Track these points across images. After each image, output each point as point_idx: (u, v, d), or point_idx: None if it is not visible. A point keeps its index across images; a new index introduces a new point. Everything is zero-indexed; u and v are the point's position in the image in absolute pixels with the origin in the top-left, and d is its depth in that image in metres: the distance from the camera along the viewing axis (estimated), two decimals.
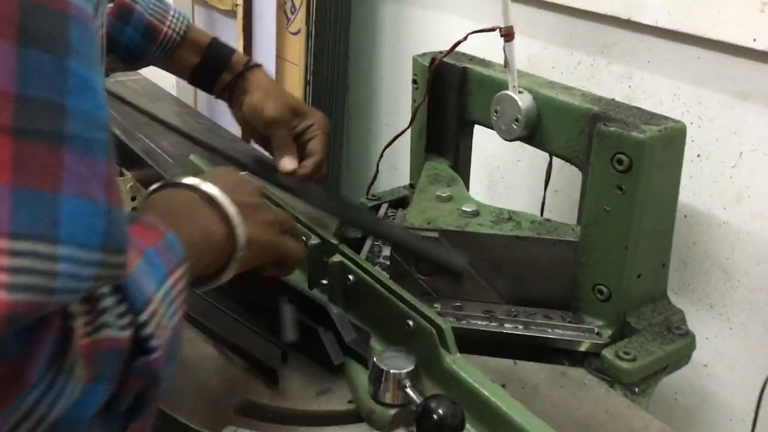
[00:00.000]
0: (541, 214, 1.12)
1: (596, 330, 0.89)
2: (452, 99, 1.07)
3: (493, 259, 0.92)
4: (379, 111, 1.71)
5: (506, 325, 0.91)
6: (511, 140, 0.97)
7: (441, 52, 1.07)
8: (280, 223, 0.79)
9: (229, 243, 0.69)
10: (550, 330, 0.90)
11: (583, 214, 0.88)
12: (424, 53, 1.09)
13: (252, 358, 0.83)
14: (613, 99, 0.92)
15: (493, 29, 0.94)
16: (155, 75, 2.23)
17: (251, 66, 1.04)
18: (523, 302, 0.93)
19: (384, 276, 0.85)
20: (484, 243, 0.92)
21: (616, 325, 0.89)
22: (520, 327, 0.90)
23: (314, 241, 0.92)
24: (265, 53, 1.66)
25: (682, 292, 1.16)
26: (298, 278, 0.88)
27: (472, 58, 1.07)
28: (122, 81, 1.97)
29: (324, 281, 0.89)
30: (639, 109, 0.89)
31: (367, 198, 1.19)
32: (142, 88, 1.97)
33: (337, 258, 0.89)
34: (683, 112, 1.10)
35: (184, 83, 2.09)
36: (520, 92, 0.95)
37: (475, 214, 0.95)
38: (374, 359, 0.75)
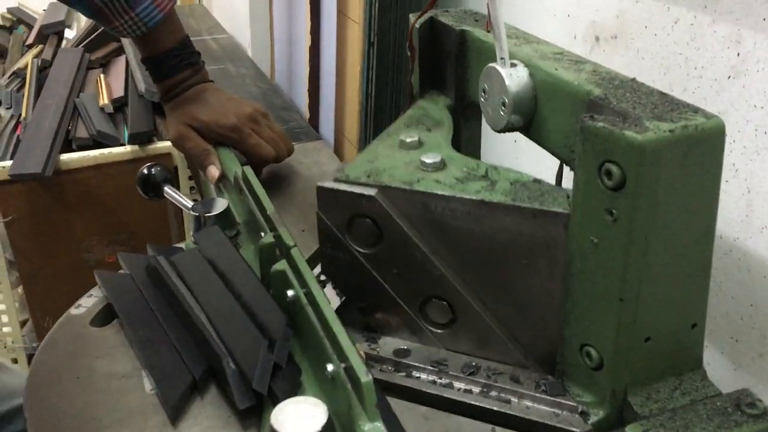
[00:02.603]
0: None
1: (581, 408, 0.63)
2: (450, 73, 0.81)
3: (451, 237, 0.65)
4: None
5: (456, 385, 0.66)
6: (500, 131, 0.71)
7: (475, 13, 0.81)
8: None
9: None
10: (515, 401, 0.65)
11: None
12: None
13: (158, 382, 0.66)
14: (633, 79, 0.63)
15: None
16: (240, 34, 2.12)
17: (177, 92, 1.00)
18: (496, 304, 0.66)
19: (323, 299, 0.64)
20: (436, 209, 0.65)
21: (612, 405, 0.62)
22: (475, 391, 0.66)
23: (267, 239, 0.73)
24: (328, 8, 1.46)
25: (743, 363, 0.83)
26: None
27: (480, 19, 0.80)
28: (205, 39, 1.87)
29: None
30: (664, 95, 0.60)
31: None
32: (222, 48, 1.86)
33: (280, 266, 0.69)
34: None
35: (259, 44, 1.95)
36: (512, 65, 0.68)
37: (438, 166, 0.68)
38: (271, 418, 0.56)
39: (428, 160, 0.68)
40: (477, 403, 0.64)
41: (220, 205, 0.88)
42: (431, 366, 0.68)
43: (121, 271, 0.82)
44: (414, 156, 0.71)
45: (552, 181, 0.70)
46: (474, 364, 0.68)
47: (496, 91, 0.69)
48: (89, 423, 0.63)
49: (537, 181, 0.65)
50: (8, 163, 1.48)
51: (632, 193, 0.54)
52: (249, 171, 0.87)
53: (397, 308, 0.70)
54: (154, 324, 0.72)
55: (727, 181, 0.80)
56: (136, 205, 1.59)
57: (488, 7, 0.67)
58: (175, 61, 0.97)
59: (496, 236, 0.63)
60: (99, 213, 1.58)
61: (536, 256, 0.62)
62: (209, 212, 0.87)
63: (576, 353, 0.63)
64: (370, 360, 0.70)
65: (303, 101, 1.68)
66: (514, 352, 0.67)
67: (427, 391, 0.66)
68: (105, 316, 0.78)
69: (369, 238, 0.68)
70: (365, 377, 0.55)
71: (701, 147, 0.55)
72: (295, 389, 0.64)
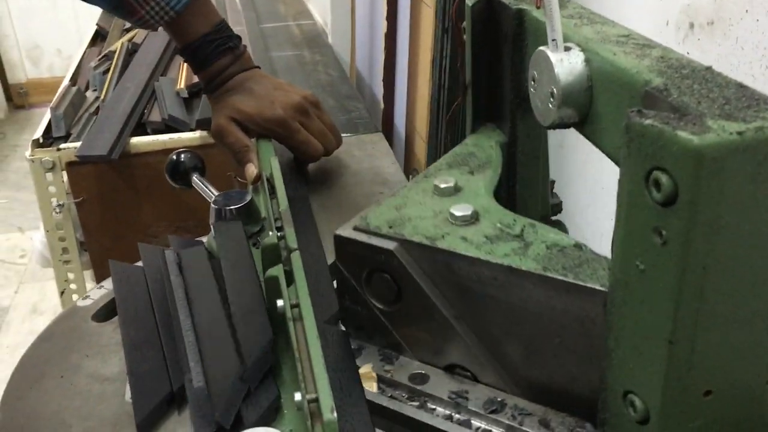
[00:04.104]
0: None
1: None
2: (507, 60, 0.71)
3: (476, 303, 0.57)
4: None
5: (475, 424, 0.57)
6: (549, 127, 0.60)
7: None
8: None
9: None
10: None
11: (611, 268, 0.50)
12: None
13: (134, 391, 0.60)
14: (708, 68, 0.51)
15: None
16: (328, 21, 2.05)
17: (219, 82, 0.93)
18: (528, 384, 0.58)
19: (310, 316, 0.56)
20: (460, 270, 0.57)
21: None
22: None
23: (270, 239, 0.66)
24: None
25: None
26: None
27: None
28: (289, 25, 1.81)
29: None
30: (743, 88, 0.48)
31: None
32: (303, 34, 1.80)
33: (274, 271, 0.61)
34: None
35: (339, 30, 1.87)
36: (567, 49, 0.58)
37: (469, 220, 0.61)
38: None
39: (458, 213, 0.61)
40: None
41: (242, 198, 0.82)
42: (449, 397, 0.58)
43: (139, 263, 0.77)
44: (447, 204, 0.63)
45: None
46: (500, 400, 0.58)
47: (545, 79, 0.59)
48: (57, 430, 0.57)
49: (578, 246, 0.56)
50: (79, 143, 1.47)
51: (686, 211, 0.43)
52: (275, 164, 0.80)
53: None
54: (150, 325, 0.65)
55: None
56: None
57: None
58: (212, 47, 0.91)
59: (525, 308, 0.55)
60: (167, 198, 1.55)
61: (569, 335, 0.54)
62: (229, 206, 0.81)
63: (619, 400, 0.52)
64: (382, 383, 0.61)
65: (380, 91, 1.60)
66: None
67: (441, 428, 0.57)
68: (109, 310, 0.72)
69: (388, 295, 0.62)
70: (329, 414, 0.47)
71: None
72: (270, 414, 0.55)
